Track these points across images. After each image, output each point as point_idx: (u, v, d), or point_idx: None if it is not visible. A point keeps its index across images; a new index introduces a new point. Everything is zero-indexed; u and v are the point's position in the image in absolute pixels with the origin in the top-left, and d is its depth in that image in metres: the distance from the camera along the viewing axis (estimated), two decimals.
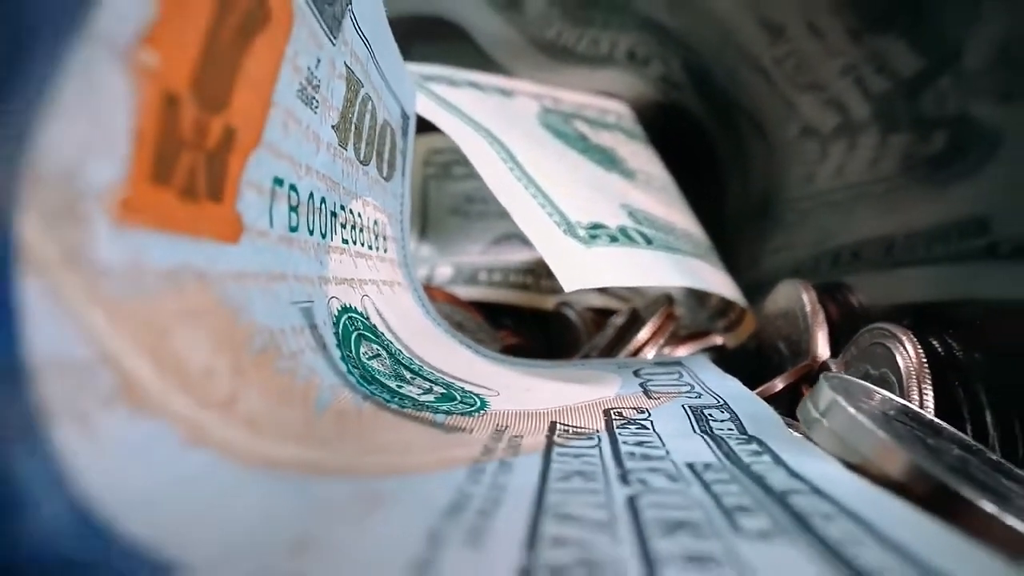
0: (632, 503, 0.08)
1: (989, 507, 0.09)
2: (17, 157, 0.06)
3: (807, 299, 0.21)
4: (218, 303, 0.09)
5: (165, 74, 0.07)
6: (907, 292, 0.23)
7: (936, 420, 0.13)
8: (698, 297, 0.29)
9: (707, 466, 0.10)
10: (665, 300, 0.22)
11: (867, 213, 0.26)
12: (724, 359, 0.24)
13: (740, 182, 0.33)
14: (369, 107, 0.15)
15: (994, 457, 0.12)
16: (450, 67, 0.27)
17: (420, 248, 0.33)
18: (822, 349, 0.20)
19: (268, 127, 0.10)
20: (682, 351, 0.22)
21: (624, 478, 0.09)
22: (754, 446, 0.11)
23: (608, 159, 0.26)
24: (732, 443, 0.11)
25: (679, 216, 0.26)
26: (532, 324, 0.30)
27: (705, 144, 0.35)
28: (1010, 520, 0.09)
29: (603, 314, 0.29)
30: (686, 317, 0.28)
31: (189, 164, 0.08)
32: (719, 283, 0.23)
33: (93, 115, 0.06)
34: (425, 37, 0.28)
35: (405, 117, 0.20)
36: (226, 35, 0.08)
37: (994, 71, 0.20)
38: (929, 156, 0.23)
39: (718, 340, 0.23)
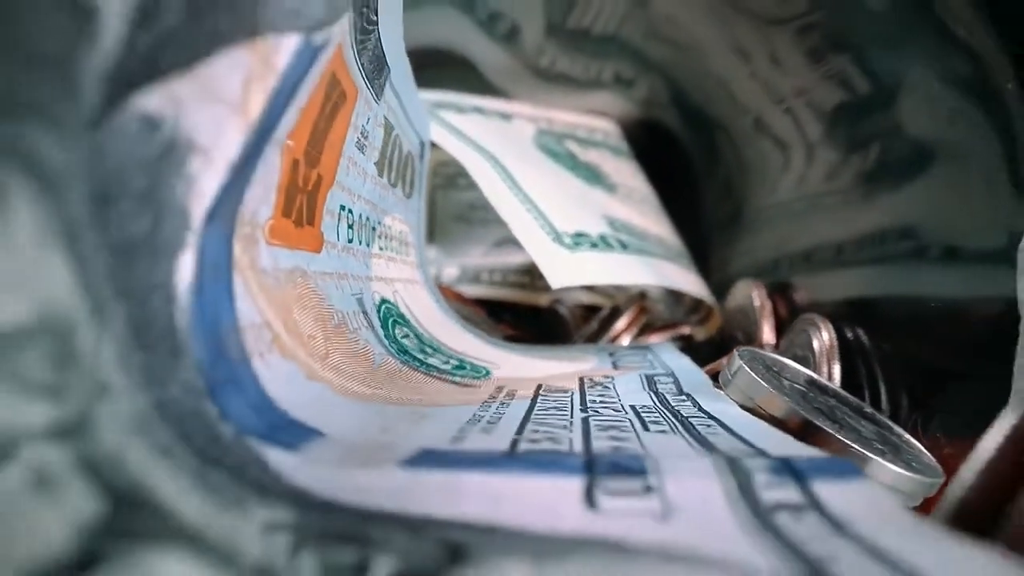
0: (585, 420, 0.12)
1: (828, 427, 0.14)
2: (228, 213, 0.10)
3: (757, 296, 0.26)
4: (313, 292, 0.13)
5: (294, 149, 0.12)
6: (847, 290, 0.27)
7: (826, 383, 0.18)
8: (675, 295, 0.34)
9: (644, 407, 0.14)
10: (639, 296, 0.26)
11: (820, 221, 0.31)
12: (693, 348, 0.29)
13: (715, 192, 0.38)
14: (397, 143, 0.20)
15: (866, 409, 0.17)
16: (457, 93, 0.32)
17: (429, 251, 0.37)
18: (768, 337, 0.25)
19: (339, 171, 0.15)
20: (654, 339, 0.27)
21: (584, 409, 0.14)
22: (683, 397, 0.16)
23: (593, 175, 0.31)
24: (668, 396, 0.16)
25: (654, 224, 0.31)
26: (528, 319, 0.35)
27: (684, 157, 0.39)
28: (842, 436, 0.13)
29: (591, 310, 0.34)
30: (665, 312, 0.32)
31: (299, 202, 0.13)
32: (687, 282, 0.28)
33: (265, 181, 0.11)
34: (436, 66, 0.33)
35: (422, 145, 0.24)
36: (323, 119, 0.13)
37: (930, 95, 0.24)
38: (872, 170, 0.28)
39: (686, 330, 0.27)
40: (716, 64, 0.34)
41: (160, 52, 0.07)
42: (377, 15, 0.14)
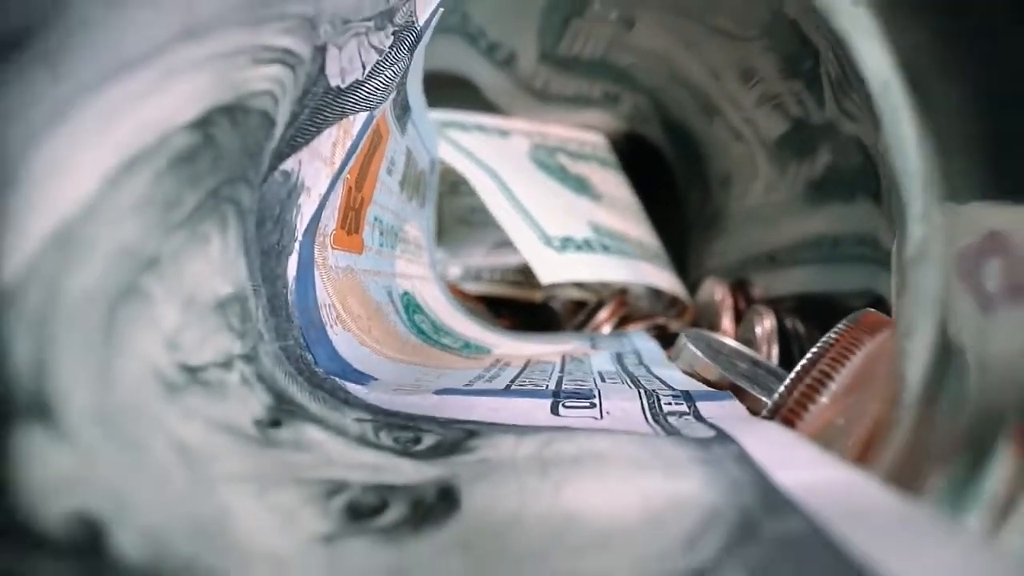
0: (560, 378, 0.17)
1: (746, 385, 0.18)
2: (313, 228, 0.15)
3: (719, 292, 0.31)
4: (359, 284, 0.18)
5: (350, 180, 0.17)
6: (796, 286, 0.32)
7: (759, 358, 0.23)
8: (656, 292, 0.39)
9: (607, 372, 0.19)
10: (619, 292, 0.31)
11: (785, 224, 0.36)
12: (668, 336, 0.34)
13: (693, 199, 0.43)
14: (414, 163, 0.25)
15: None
16: (462, 111, 0.37)
17: (436, 252, 0.42)
18: (727, 326, 0.30)
19: (375, 192, 0.20)
20: (632, 328, 0.32)
21: (561, 372, 0.18)
22: (641, 367, 0.21)
23: (581, 186, 0.36)
24: (630, 366, 0.21)
25: (635, 229, 0.36)
26: (524, 313, 0.40)
27: (666, 167, 0.44)
28: (755, 392, 0.18)
29: (580, 305, 0.39)
30: (647, 306, 0.37)
31: (350, 217, 0.18)
32: (662, 280, 0.33)
33: (333, 204, 0.16)
34: (444, 88, 0.38)
35: (432, 162, 0.29)
36: (367, 156, 0.18)
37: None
38: (826, 178, 0.33)
39: (660, 320, 0.32)
40: (691, 82, 0.39)
41: (297, 137, 0.12)
42: (407, 78, 0.19)
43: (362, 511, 0.09)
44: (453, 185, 0.46)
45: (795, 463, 0.08)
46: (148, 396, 0.08)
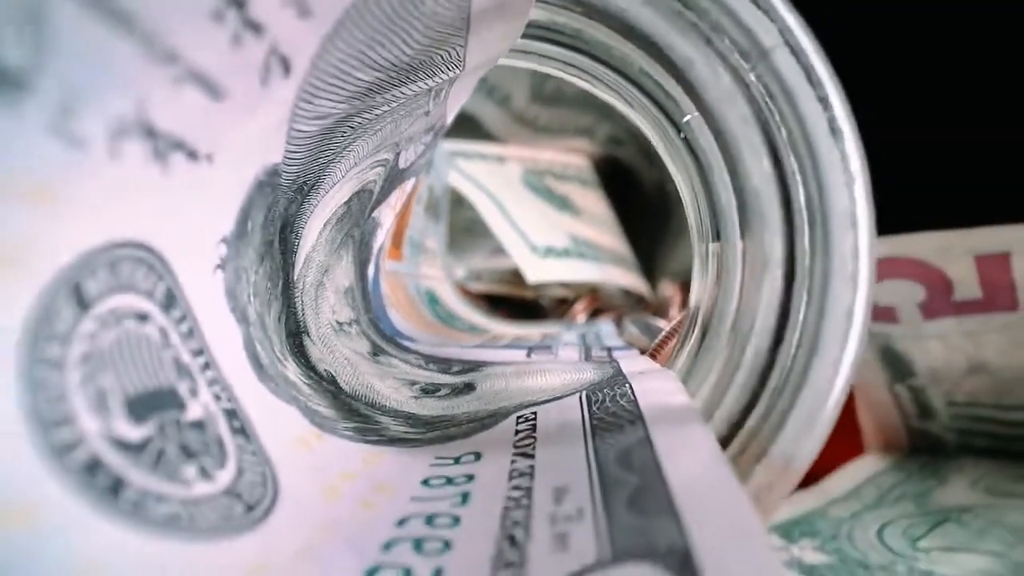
0: (536, 343, 0.27)
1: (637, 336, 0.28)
2: (380, 247, 0.25)
3: (671, 289, 0.41)
4: (401, 283, 0.29)
5: (395, 207, 0.27)
6: None
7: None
8: (624, 290, 0.49)
9: (570, 340, 0.29)
10: (592, 290, 0.42)
11: None
12: None
13: (660, 212, 0.53)
14: (433, 191, 0.35)
15: None
16: (466, 141, 0.47)
17: (446, 257, 0.52)
18: (674, 315, 0.40)
19: (410, 218, 0.30)
20: (602, 318, 0.42)
21: (538, 341, 0.29)
22: (596, 340, 0.31)
23: (564, 204, 0.46)
24: (588, 339, 0.31)
25: (608, 239, 0.46)
26: (517, 307, 0.50)
27: (638, 185, 0.55)
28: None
29: (563, 302, 0.49)
30: (617, 301, 0.47)
31: (397, 236, 0.28)
32: (627, 280, 0.43)
33: (389, 229, 0.26)
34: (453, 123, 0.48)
35: (444, 187, 0.39)
36: (408, 199, 0.28)
37: None
38: None
39: (625, 312, 0.42)
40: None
41: (380, 197, 0.22)
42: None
43: (428, 390, 0.19)
44: (459, 199, 0.56)
45: (636, 365, 0.18)
46: (330, 334, 0.18)
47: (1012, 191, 0.32)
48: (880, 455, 0.39)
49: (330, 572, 0.09)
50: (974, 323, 0.31)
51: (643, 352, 0.25)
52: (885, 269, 0.31)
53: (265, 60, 0.10)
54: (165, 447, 0.09)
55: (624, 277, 0.43)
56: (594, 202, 0.50)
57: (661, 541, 0.09)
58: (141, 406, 0.09)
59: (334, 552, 0.09)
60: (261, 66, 0.10)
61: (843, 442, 0.40)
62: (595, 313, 0.43)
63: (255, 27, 0.09)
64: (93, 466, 0.08)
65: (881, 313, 0.33)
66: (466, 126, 0.51)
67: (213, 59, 0.09)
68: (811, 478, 0.34)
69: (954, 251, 0.29)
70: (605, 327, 0.36)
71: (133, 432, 0.09)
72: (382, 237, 0.24)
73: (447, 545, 0.10)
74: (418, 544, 0.10)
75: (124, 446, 0.09)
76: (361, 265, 0.22)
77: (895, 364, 0.35)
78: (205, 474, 0.10)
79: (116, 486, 0.08)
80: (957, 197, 0.32)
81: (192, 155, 0.10)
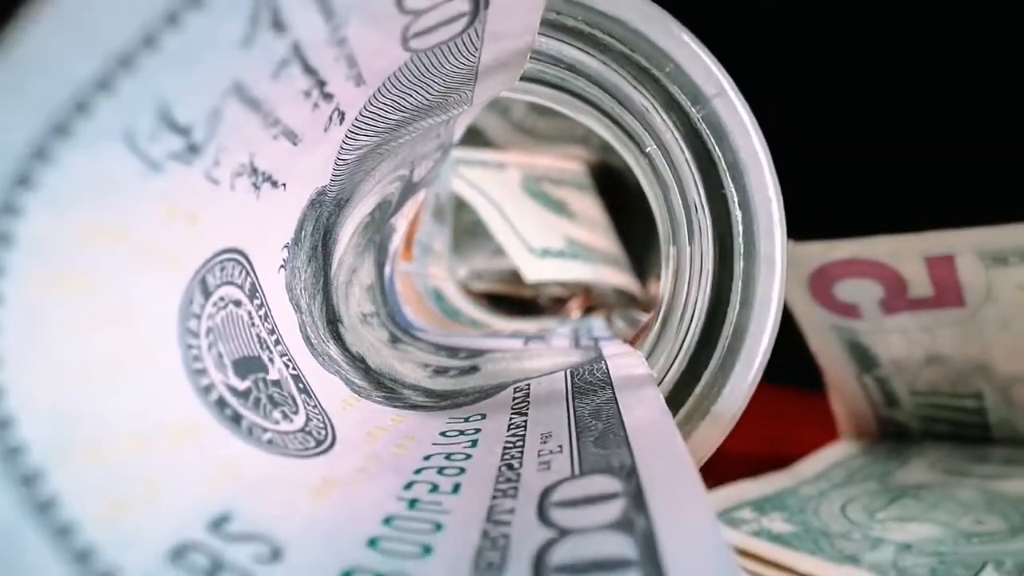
0: (527, 339, 0.31)
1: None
2: (395, 250, 0.29)
3: (657, 287, 0.45)
4: (411, 282, 0.33)
5: (408, 215, 0.31)
6: None
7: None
8: (618, 290, 0.53)
9: (562, 332, 0.33)
10: (584, 288, 0.46)
11: None
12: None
13: (648, 213, 0.57)
14: (439, 198, 0.39)
15: None
16: (470, 149, 0.51)
17: (451, 258, 0.56)
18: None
19: (420, 223, 0.34)
20: (595, 315, 0.46)
21: (534, 334, 0.33)
22: (586, 332, 0.35)
23: (559, 208, 0.50)
24: (579, 332, 0.35)
25: (601, 241, 0.50)
26: (516, 305, 0.54)
27: (629, 188, 0.58)
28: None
29: (560, 300, 0.53)
30: (610, 299, 0.51)
31: (408, 240, 0.32)
32: (619, 279, 0.47)
33: (403, 233, 0.30)
34: None
35: (449, 194, 0.43)
36: (419, 206, 0.32)
37: None
38: None
39: (616, 309, 0.46)
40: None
41: (397, 208, 0.26)
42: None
43: (440, 371, 0.23)
44: (461, 204, 0.60)
45: (613, 349, 0.22)
46: (358, 324, 0.22)
47: (958, 198, 0.36)
48: (852, 441, 0.43)
49: (379, 483, 0.13)
50: (929, 318, 0.35)
51: (627, 342, 0.29)
52: (847, 269, 0.34)
53: (330, 115, 0.14)
54: (260, 396, 0.13)
55: (616, 276, 0.47)
56: (589, 205, 0.54)
57: (615, 462, 0.13)
58: (241, 367, 0.13)
59: (380, 471, 0.13)
60: (327, 120, 0.14)
61: (820, 430, 0.44)
62: (588, 310, 0.47)
63: (328, 97, 0.13)
64: (221, 403, 0.12)
65: (846, 309, 0.36)
66: (469, 135, 0.55)
67: (300, 120, 0.12)
68: (787, 461, 0.38)
69: (906, 253, 0.33)
70: (596, 322, 0.40)
71: (240, 384, 0.13)
72: (397, 241, 0.28)
73: (462, 471, 0.14)
74: (440, 470, 0.14)
75: (236, 392, 0.13)
76: (380, 266, 0.26)
77: (861, 356, 0.39)
78: (286, 417, 0.14)
79: (236, 417, 0.12)
80: (910, 203, 0.36)
81: (275, 184, 0.14)
